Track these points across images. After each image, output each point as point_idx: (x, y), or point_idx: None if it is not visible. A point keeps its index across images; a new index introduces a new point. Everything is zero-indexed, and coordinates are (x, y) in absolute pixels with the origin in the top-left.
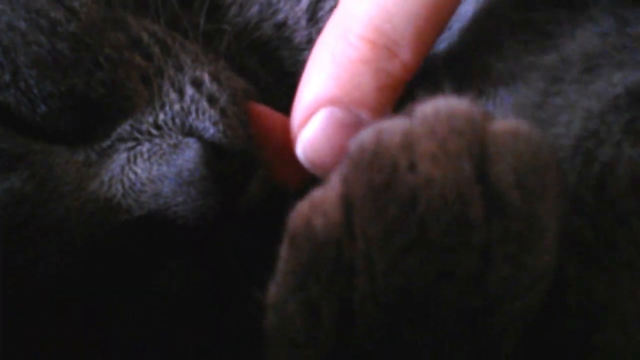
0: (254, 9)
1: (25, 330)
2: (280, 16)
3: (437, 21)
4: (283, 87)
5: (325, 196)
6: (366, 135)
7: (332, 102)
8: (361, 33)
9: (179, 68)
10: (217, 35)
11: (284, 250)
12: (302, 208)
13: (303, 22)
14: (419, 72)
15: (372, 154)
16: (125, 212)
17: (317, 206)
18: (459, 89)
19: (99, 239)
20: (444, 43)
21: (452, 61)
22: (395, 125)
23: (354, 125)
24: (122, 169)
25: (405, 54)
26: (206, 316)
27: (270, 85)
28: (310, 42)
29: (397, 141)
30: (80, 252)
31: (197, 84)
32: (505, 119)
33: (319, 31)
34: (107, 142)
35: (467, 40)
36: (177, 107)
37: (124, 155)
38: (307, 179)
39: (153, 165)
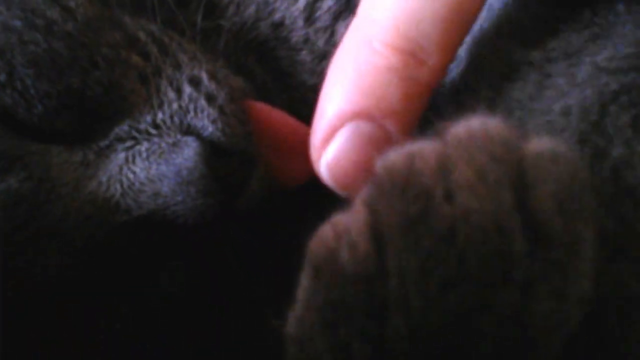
0: (251, 9)
1: (25, 331)
2: (277, 16)
3: (463, 23)
4: (280, 86)
5: (351, 224)
6: (396, 158)
7: (358, 115)
8: (386, 40)
9: (177, 67)
10: (214, 34)
11: (306, 281)
12: (325, 236)
13: (300, 22)
14: None
15: (404, 180)
16: (124, 212)
17: (343, 235)
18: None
19: (98, 239)
20: None
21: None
22: (427, 149)
23: (381, 139)
24: (121, 168)
25: (433, 60)
26: (206, 316)
27: (267, 84)
28: (306, 42)
29: (431, 167)
30: (79, 253)
31: (195, 82)
32: (540, 139)
33: (316, 31)
34: (105, 142)
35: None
36: (175, 105)
37: (122, 155)
38: (307, 176)
39: (152, 164)
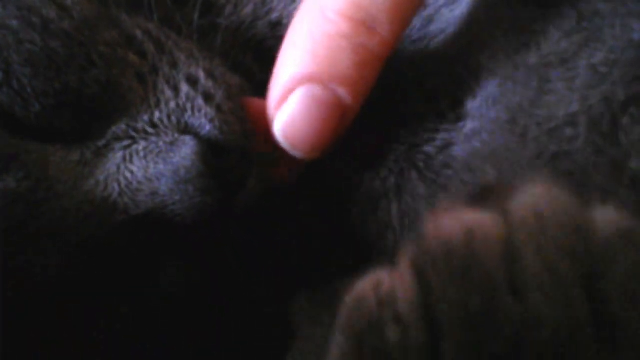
0: (249, 8)
1: (24, 331)
2: (275, 15)
3: None
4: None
5: (398, 294)
6: (452, 231)
7: (310, 79)
8: (338, 8)
9: (174, 65)
10: (211, 32)
11: (344, 346)
12: (365, 297)
13: None
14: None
15: (464, 263)
16: (122, 211)
17: (388, 305)
18: (450, 90)
19: (97, 239)
20: (436, 43)
21: (443, 60)
22: (488, 226)
23: (333, 103)
24: (118, 167)
25: (384, 29)
26: (206, 316)
27: (264, 82)
28: None
29: (495, 252)
30: (77, 252)
31: (193, 81)
32: (605, 211)
33: None
34: (103, 141)
35: (459, 40)
36: (172, 104)
37: (119, 154)
38: (304, 172)
39: (149, 163)
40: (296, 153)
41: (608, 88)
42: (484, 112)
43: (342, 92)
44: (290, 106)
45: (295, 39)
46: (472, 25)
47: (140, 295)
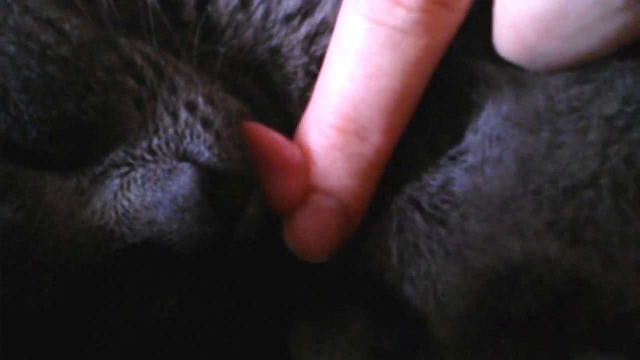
0: (249, 33)
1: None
2: (275, 42)
3: (403, 104)
4: (276, 109)
5: None
6: None
7: (315, 190)
8: (330, 122)
9: (173, 91)
10: (211, 56)
11: None
12: None
13: (297, 52)
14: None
15: None
16: (118, 240)
17: None
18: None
19: (92, 268)
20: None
21: (443, 97)
22: None
23: (336, 211)
24: (116, 195)
25: (376, 138)
26: (203, 345)
27: (264, 106)
28: (295, 74)
29: None
30: (73, 281)
31: (191, 107)
32: None
33: (311, 63)
34: (100, 168)
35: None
36: (171, 131)
37: (117, 182)
38: (301, 197)
39: (147, 191)
40: (305, 258)
41: (628, 148)
42: (486, 148)
43: (344, 199)
44: (300, 217)
45: (302, 148)
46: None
47: (136, 323)
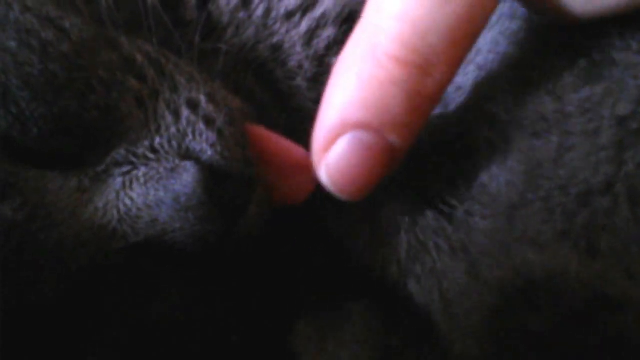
0: (250, 30)
1: (20, 356)
2: (276, 39)
3: (470, 35)
4: (279, 107)
5: None
6: None
7: (360, 125)
8: (390, 51)
9: (174, 89)
10: (212, 54)
11: None
12: None
13: (298, 48)
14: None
15: None
16: (120, 239)
17: None
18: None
19: (94, 267)
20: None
21: (462, 111)
22: None
23: (382, 148)
24: (118, 194)
25: (439, 72)
26: (205, 343)
27: (266, 104)
28: (300, 68)
29: None
30: (74, 280)
31: (193, 105)
32: None
33: (312, 58)
34: (102, 167)
35: (478, 90)
36: (173, 129)
37: (119, 180)
38: (303, 198)
39: (150, 190)
40: (342, 196)
41: None
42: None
43: (393, 138)
44: (338, 150)
45: (343, 80)
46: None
47: (138, 322)
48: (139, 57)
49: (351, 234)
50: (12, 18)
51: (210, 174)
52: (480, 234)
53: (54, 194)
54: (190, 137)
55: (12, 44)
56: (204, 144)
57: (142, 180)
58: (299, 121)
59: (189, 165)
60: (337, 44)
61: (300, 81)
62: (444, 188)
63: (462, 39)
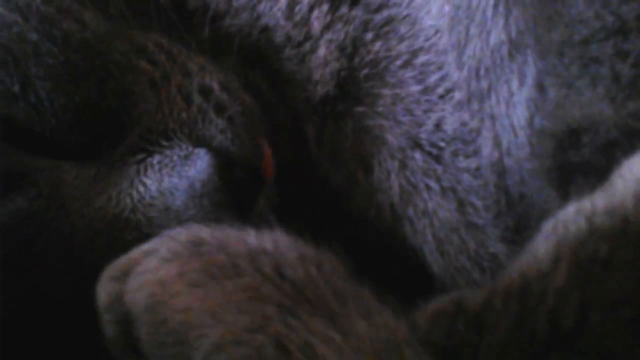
0: (244, 16)
1: (33, 350)
2: (263, 20)
3: None
4: (283, 103)
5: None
6: None
7: None
8: None
9: (186, 75)
10: (221, 50)
11: None
12: None
13: (281, 21)
14: None
15: None
16: (133, 229)
17: None
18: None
19: (107, 257)
20: None
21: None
22: None
23: None
24: (132, 181)
25: None
26: None
27: (272, 100)
28: (288, 39)
29: None
30: (87, 270)
31: (205, 91)
32: None
33: (294, 26)
34: (117, 155)
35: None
36: (184, 115)
37: (133, 168)
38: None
39: (164, 177)
40: None
41: None
42: (471, 82)
43: None
44: None
45: None
46: None
47: None
48: (150, 45)
49: (348, 183)
50: (34, 9)
51: (223, 161)
52: (466, 172)
53: (68, 184)
54: (200, 123)
55: (34, 35)
56: (214, 129)
57: (156, 167)
58: (304, 116)
59: (202, 152)
60: (318, 3)
61: (288, 51)
62: (431, 130)
63: None
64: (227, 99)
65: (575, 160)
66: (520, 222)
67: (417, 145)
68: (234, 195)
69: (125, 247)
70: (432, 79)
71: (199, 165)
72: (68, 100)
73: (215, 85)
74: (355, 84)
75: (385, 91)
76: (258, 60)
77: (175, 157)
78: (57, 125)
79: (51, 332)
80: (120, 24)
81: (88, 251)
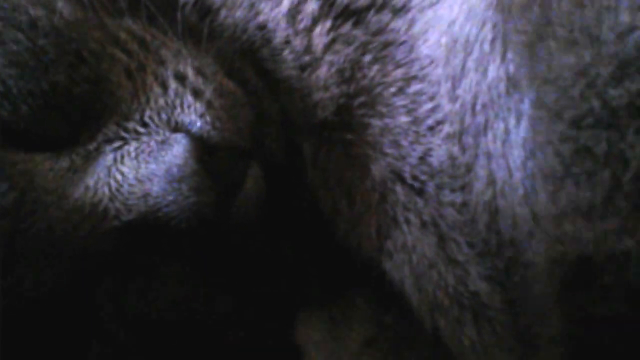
0: (240, 11)
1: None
2: (262, 18)
3: None
4: (269, 89)
5: None
6: None
7: None
8: None
9: (160, 62)
10: (206, 36)
11: None
12: None
13: (283, 24)
14: None
15: None
16: (113, 217)
17: None
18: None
19: (88, 249)
20: None
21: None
22: None
23: None
24: (109, 170)
25: None
26: (205, 335)
27: (259, 89)
28: (287, 43)
29: None
30: (68, 264)
31: (181, 77)
32: None
33: (296, 33)
34: (93, 145)
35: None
36: (161, 101)
37: (110, 157)
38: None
39: (141, 164)
40: None
41: None
42: (465, 116)
43: None
44: None
45: None
46: None
47: (137, 316)
48: (123, 35)
49: (333, 211)
50: None
51: (203, 144)
52: (450, 207)
53: (43, 176)
54: (179, 109)
55: None
56: (193, 115)
57: (133, 154)
58: (290, 105)
59: (179, 137)
60: (322, 16)
61: (287, 54)
62: (415, 163)
63: None
64: (202, 83)
65: None
66: (509, 265)
67: (399, 178)
68: (217, 177)
69: (107, 238)
70: (423, 109)
71: (175, 149)
72: (36, 86)
73: (190, 71)
74: (349, 112)
75: (376, 121)
76: (250, 52)
77: (152, 144)
78: (30, 113)
79: (36, 329)
80: (94, 9)
81: (68, 244)
